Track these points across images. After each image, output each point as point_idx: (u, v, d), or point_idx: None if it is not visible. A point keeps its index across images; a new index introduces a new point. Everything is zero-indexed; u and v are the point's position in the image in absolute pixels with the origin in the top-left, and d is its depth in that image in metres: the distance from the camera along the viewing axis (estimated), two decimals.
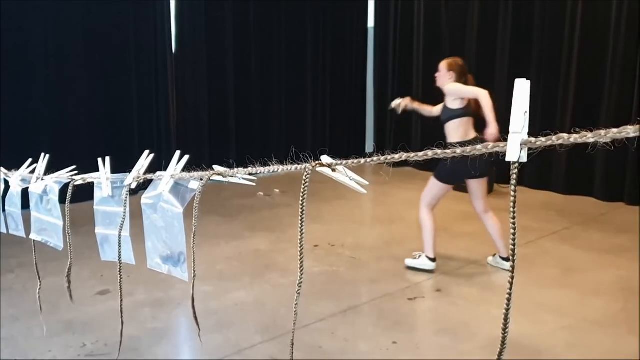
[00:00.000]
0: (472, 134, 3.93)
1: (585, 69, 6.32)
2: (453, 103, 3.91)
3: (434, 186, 4.02)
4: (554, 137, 0.69)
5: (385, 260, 4.38)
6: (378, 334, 3.20)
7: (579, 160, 6.23)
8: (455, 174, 3.93)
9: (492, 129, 3.71)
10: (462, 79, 3.95)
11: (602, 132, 0.64)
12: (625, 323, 3.27)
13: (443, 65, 4.02)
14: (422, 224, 4.09)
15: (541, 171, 6.56)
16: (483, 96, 3.72)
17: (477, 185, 4.05)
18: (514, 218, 0.77)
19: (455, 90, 3.89)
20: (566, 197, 6.41)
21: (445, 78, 3.99)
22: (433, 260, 4.07)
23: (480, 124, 3.86)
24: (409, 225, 5.34)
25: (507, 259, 4.12)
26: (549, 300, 3.60)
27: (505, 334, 0.80)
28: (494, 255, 4.22)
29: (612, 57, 6.09)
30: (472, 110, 3.91)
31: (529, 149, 0.71)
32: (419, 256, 4.12)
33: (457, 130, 3.91)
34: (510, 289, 0.79)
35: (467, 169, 3.55)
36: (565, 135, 0.68)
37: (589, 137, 0.66)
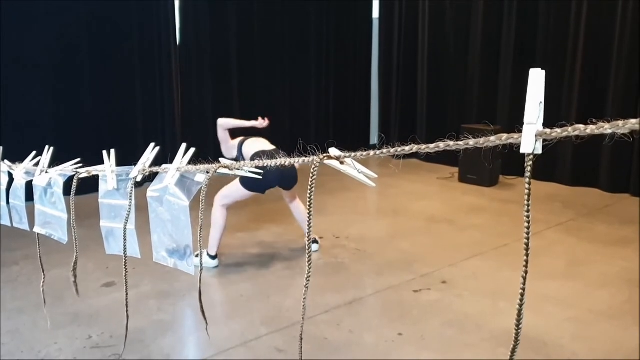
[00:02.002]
0: (269, 146, 4.16)
1: (590, 66, 6.25)
2: (232, 150, 4.22)
3: (237, 190, 3.98)
4: (569, 128, 0.67)
5: (390, 252, 4.37)
6: (383, 325, 3.20)
7: (584, 152, 6.18)
8: (260, 183, 3.89)
9: (252, 124, 4.09)
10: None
11: (620, 122, 0.62)
12: (631, 314, 3.27)
13: None
14: (213, 221, 4.02)
15: (546, 162, 6.52)
16: (219, 126, 4.18)
17: (286, 192, 4.22)
18: (528, 211, 0.76)
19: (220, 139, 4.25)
20: (571, 189, 6.38)
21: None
22: (214, 257, 4.02)
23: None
24: (413, 217, 5.33)
25: (315, 241, 4.44)
26: (554, 291, 3.59)
27: (519, 330, 0.79)
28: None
29: (617, 56, 6.02)
30: (251, 132, 4.23)
31: (544, 141, 0.69)
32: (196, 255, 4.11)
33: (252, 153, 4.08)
34: (524, 283, 0.77)
35: (271, 180, 3.90)
36: (581, 126, 0.66)
37: (606, 127, 0.64)
